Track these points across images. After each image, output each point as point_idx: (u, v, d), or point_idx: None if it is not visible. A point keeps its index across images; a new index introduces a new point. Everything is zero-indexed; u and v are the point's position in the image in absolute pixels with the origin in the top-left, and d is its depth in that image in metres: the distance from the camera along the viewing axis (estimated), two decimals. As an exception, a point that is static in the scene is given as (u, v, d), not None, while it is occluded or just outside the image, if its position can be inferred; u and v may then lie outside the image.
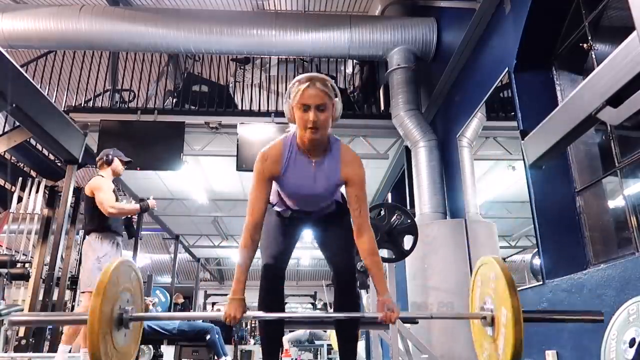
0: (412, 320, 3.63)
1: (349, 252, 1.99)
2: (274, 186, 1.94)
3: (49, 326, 4.77)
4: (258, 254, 1.97)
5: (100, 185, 3.52)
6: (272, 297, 1.97)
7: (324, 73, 7.26)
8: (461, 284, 4.26)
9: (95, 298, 1.61)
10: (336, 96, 1.81)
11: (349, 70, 8.05)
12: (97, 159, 3.78)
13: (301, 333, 10.09)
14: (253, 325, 15.17)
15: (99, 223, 3.53)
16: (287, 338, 9.33)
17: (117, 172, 3.75)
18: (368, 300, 6.25)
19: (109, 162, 3.72)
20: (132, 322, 1.81)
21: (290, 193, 1.93)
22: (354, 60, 7.54)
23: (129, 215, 3.80)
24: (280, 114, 6.11)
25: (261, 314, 1.91)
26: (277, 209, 2.05)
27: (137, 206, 3.70)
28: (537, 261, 4.44)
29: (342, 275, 1.98)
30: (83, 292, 3.45)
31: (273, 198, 2.03)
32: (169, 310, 9.28)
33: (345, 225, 1.99)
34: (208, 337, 4.75)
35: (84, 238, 5.77)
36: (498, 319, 1.80)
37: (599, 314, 1.90)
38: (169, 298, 8.78)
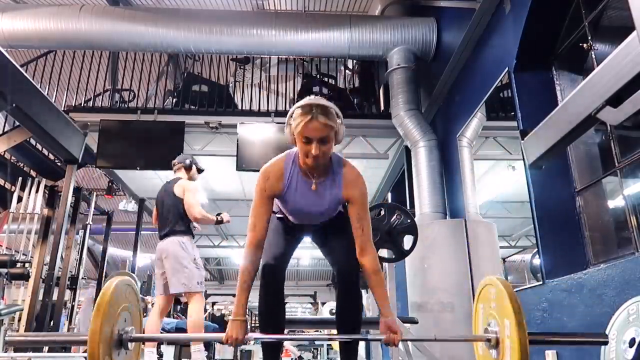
0: (412, 320, 3.63)
1: (352, 253, 1.95)
2: (276, 201, 1.98)
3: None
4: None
5: (195, 189, 3.60)
6: (273, 298, 1.96)
7: (324, 73, 7.31)
8: (461, 284, 4.26)
9: (95, 320, 1.57)
10: (339, 119, 1.80)
11: (350, 68, 8.05)
12: (175, 161, 3.84)
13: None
14: (253, 325, 15.16)
15: (188, 226, 3.61)
16: (288, 342, 9.35)
17: (193, 179, 3.80)
18: (368, 300, 6.26)
19: (188, 167, 3.79)
20: (131, 343, 1.77)
21: (292, 211, 1.98)
22: (353, 60, 7.55)
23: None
24: (280, 114, 6.11)
25: (262, 335, 1.91)
26: (279, 216, 2.08)
27: (214, 218, 3.71)
28: (537, 261, 4.44)
29: (346, 275, 1.96)
30: (190, 293, 3.48)
31: (275, 208, 2.06)
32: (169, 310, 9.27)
33: (346, 227, 1.99)
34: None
35: (83, 238, 5.76)
36: (503, 341, 1.76)
37: (604, 335, 1.89)
38: None
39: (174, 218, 3.58)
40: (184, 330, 4.93)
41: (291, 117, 1.80)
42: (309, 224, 2.07)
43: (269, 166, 1.90)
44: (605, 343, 1.88)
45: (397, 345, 1.84)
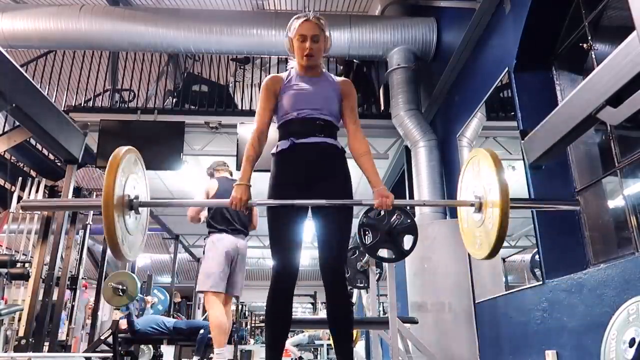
0: (412, 320, 3.63)
1: (342, 251, 2.01)
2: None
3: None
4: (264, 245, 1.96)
5: None
6: (281, 305, 1.96)
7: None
8: (461, 284, 4.27)
9: (108, 179, 1.70)
10: (328, 31, 2.12)
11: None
12: (221, 163, 4.04)
13: (301, 337, 10.13)
14: (253, 325, 15.17)
15: None
16: (288, 342, 9.35)
17: None
18: (368, 300, 6.26)
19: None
20: (141, 208, 1.93)
21: (293, 93, 2.08)
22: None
23: None
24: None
25: (264, 201, 2.01)
26: (280, 147, 2.06)
27: None
28: (537, 261, 4.43)
29: (330, 274, 1.96)
30: (235, 297, 3.65)
31: (280, 143, 2.08)
32: (169, 310, 9.29)
33: (346, 225, 2.01)
34: (202, 331, 4.76)
35: (83, 238, 5.75)
36: (485, 204, 1.90)
37: (576, 202, 2.23)
38: (168, 297, 8.76)
39: (245, 221, 3.73)
40: (182, 331, 4.93)
41: (290, 25, 2.10)
42: (314, 118, 2.04)
43: (270, 75, 2.19)
44: (577, 208, 2.32)
45: (389, 208, 1.98)
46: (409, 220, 3.10)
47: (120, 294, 4.77)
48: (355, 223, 2.26)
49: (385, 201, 1.94)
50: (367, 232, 3.13)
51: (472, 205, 1.98)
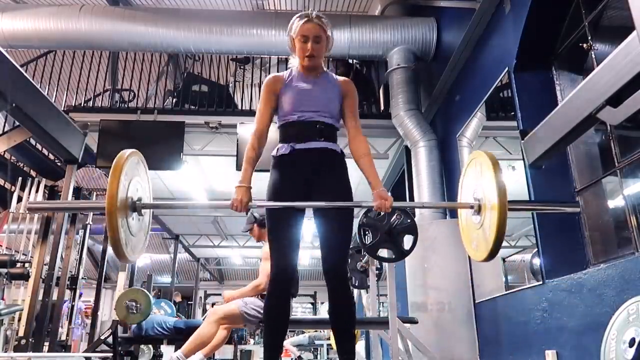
0: (412, 320, 3.63)
1: (344, 252, 2.02)
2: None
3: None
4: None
5: None
6: (279, 309, 1.98)
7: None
8: (461, 284, 4.27)
9: (112, 184, 1.72)
10: (329, 31, 2.13)
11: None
12: None
13: (302, 338, 10.12)
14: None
15: None
16: (288, 342, 9.34)
17: None
18: (368, 300, 6.26)
19: None
20: (144, 210, 1.95)
21: (294, 94, 2.08)
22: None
23: None
24: (280, 113, 6.10)
25: (264, 202, 2.02)
26: (281, 151, 2.06)
27: None
28: (537, 261, 4.44)
29: (332, 273, 1.96)
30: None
31: (280, 146, 2.09)
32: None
33: (347, 225, 2.02)
34: None
35: (83, 238, 5.74)
36: (485, 206, 1.93)
37: (576, 204, 2.28)
38: (174, 308, 8.75)
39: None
40: (181, 330, 4.94)
41: (292, 24, 2.09)
42: (314, 126, 2.04)
43: (271, 74, 2.20)
44: (578, 212, 2.34)
45: (388, 211, 1.98)
46: (409, 220, 3.10)
47: (135, 311, 4.74)
48: (355, 223, 2.26)
49: (385, 203, 1.94)
50: (367, 232, 3.13)
51: (471, 207, 1.99)
